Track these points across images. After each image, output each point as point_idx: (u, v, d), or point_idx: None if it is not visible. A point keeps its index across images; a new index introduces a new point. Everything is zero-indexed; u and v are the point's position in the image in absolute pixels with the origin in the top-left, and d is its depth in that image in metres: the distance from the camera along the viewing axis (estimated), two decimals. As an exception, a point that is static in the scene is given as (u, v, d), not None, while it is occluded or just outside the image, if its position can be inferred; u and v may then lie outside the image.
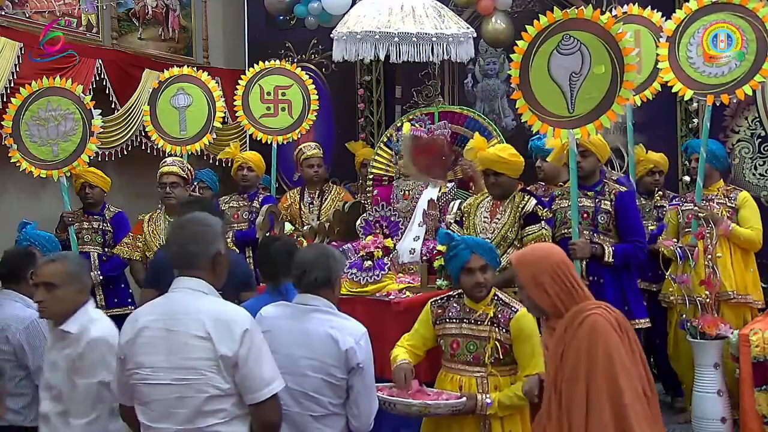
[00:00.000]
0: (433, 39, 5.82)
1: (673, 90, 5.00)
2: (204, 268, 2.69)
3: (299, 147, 6.49)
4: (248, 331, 2.59)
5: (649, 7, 5.66)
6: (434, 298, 3.78)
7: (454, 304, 3.65)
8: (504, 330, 3.49)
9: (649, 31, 5.58)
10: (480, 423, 3.46)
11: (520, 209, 4.65)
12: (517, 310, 3.49)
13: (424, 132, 5.70)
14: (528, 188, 5.14)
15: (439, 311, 3.68)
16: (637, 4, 5.69)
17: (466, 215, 4.85)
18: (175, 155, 6.09)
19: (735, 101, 5.14)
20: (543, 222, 4.62)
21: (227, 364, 2.55)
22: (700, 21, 4.85)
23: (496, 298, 3.58)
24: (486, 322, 3.52)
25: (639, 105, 5.61)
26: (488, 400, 3.40)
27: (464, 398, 3.40)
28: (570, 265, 2.97)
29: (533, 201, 4.67)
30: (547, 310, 2.93)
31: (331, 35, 6.08)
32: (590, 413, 2.73)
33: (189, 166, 5.51)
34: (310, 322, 2.90)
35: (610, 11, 5.73)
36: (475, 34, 6.10)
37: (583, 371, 2.76)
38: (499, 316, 3.51)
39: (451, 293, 3.73)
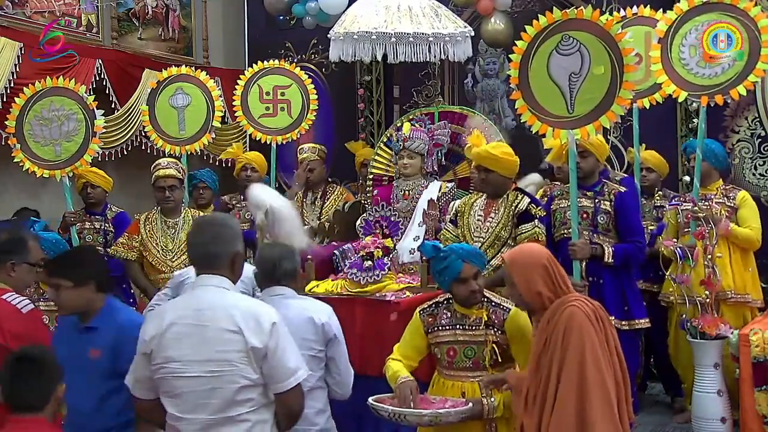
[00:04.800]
0: (430, 39, 5.82)
1: (667, 92, 5.01)
2: (224, 267, 2.81)
3: (299, 147, 6.51)
4: (276, 324, 2.73)
5: (661, 10, 5.60)
6: (421, 307, 3.70)
7: (445, 311, 3.58)
8: (499, 331, 3.47)
9: None
10: (486, 426, 3.43)
11: (513, 208, 4.65)
12: (509, 309, 3.47)
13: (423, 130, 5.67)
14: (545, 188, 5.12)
15: (430, 320, 3.61)
16: (649, 6, 5.61)
17: (460, 214, 4.85)
18: (174, 155, 6.08)
19: (730, 101, 5.13)
20: (536, 221, 4.62)
21: (257, 355, 2.68)
22: (692, 22, 4.86)
23: (485, 299, 3.53)
24: (481, 326, 3.48)
25: (648, 107, 5.59)
26: (494, 403, 3.38)
27: (471, 404, 3.36)
28: (556, 262, 3.23)
29: (527, 200, 4.67)
30: (534, 305, 3.20)
31: (328, 35, 6.09)
32: (557, 402, 2.98)
33: (182, 166, 5.51)
34: (287, 309, 3.15)
35: (610, 12, 5.73)
36: (472, 33, 6.10)
37: (557, 361, 3.01)
38: (493, 317, 3.48)
39: (437, 300, 3.66)
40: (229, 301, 2.75)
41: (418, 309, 3.70)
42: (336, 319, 3.56)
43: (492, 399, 3.39)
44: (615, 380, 3.05)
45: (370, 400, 3.46)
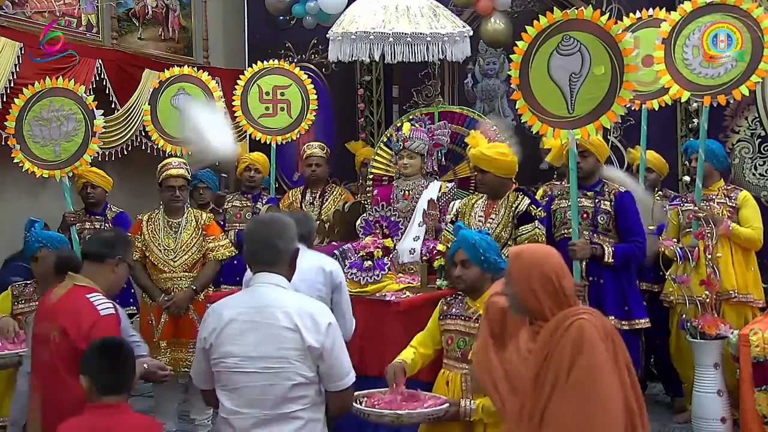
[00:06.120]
0: (428, 38, 5.82)
1: (670, 92, 5.01)
2: (284, 264, 2.88)
3: (306, 144, 6.52)
4: (332, 324, 2.80)
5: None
6: (448, 296, 3.80)
7: (459, 302, 3.67)
8: None
9: None
10: (466, 428, 3.40)
11: (514, 209, 4.65)
12: None
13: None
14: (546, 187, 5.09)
15: (445, 307, 3.71)
16: (664, 9, 5.48)
17: (461, 215, 4.86)
18: (176, 155, 6.08)
19: (732, 101, 5.13)
20: (537, 221, 4.62)
21: (314, 354, 2.75)
22: (696, 22, 4.86)
23: None
24: (475, 319, 3.51)
25: (657, 109, 5.55)
26: (472, 406, 3.33)
27: (446, 405, 3.32)
28: (565, 274, 2.85)
29: (527, 200, 4.67)
30: (529, 309, 2.84)
31: (327, 35, 6.09)
32: (567, 421, 2.64)
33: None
34: (300, 258, 3.07)
35: (611, 13, 5.70)
36: (471, 33, 6.09)
37: (563, 377, 2.66)
38: None
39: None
40: (286, 299, 2.81)
41: (443, 298, 3.81)
42: (342, 271, 4.04)
43: (470, 401, 3.36)
44: (628, 406, 2.68)
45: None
